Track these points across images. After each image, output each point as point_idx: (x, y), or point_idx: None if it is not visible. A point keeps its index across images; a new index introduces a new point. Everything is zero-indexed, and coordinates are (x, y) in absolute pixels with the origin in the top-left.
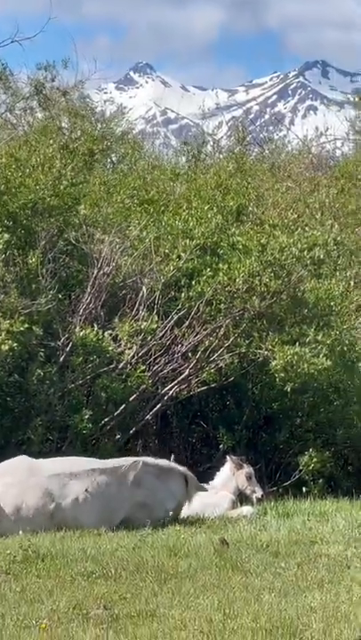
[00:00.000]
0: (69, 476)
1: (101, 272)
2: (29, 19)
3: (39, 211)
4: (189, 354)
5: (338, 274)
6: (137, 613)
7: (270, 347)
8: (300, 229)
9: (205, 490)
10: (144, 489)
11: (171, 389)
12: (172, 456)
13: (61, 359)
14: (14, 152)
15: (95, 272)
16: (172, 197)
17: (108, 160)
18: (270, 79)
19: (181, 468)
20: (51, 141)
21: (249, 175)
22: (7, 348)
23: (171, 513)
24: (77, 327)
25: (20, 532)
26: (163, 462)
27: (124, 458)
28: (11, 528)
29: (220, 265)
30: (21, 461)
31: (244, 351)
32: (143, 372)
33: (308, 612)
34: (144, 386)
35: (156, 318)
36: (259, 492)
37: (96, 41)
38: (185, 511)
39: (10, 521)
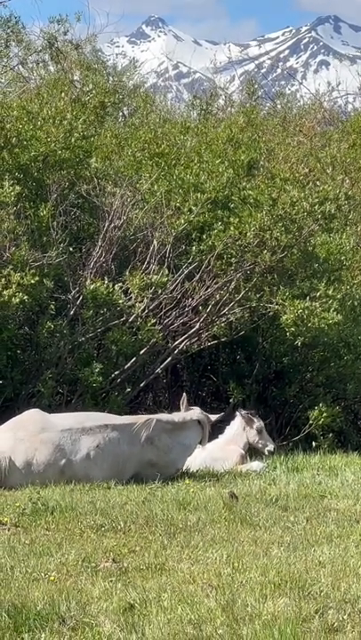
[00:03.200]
0: (81, 431)
1: (112, 225)
2: None
3: (50, 163)
4: (200, 307)
5: (349, 228)
6: (146, 566)
7: (281, 301)
8: (311, 184)
9: (211, 421)
10: (156, 448)
11: (181, 343)
12: (185, 395)
13: (72, 312)
14: (26, 105)
15: (106, 225)
16: (183, 151)
17: (120, 113)
18: (283, 34)
19: (195, 415)
20: (62, 94)
21: (260, 129)
22: (18, 300)
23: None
24: (88, 280)
25: (29, 485)
26: (177, 416)
27: (138, 415)
28: (20, 481)
29: (231, 219)
30: (33, 415)
31: (254, 305)
32: (154, 325)
33: (316, 567)
34: (154, 339)
35: (167, 272)
36: (271, 446)
37: None
38: (194, 465)
39: (20, 474)
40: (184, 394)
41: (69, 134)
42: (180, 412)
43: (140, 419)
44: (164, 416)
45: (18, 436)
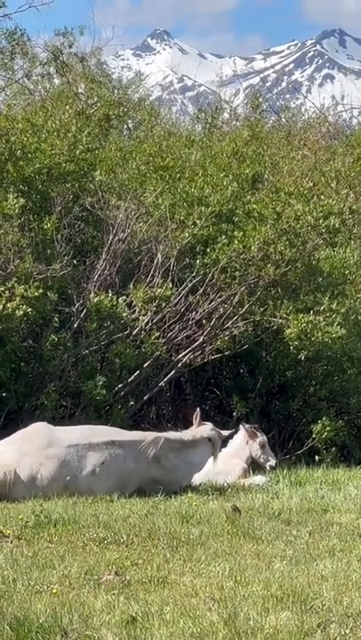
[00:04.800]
0: (87, 447)
1: (116, 238)
2: None
3: (55, 176)
4: (204, 321)
5: (353, 242)
6: (148, 579)
7: (285, 315)
8: (315, 198)
9: (223, 437)
10: (162, 467)
11: (185, 356)
12: (198, 410)
13: (76, 325)
14: (30, 117)
15: (110, 238)
16: (188, 164)
17: (125, 126)
18: (288, 47)
19: (206, 432)
20: (67, 107)
21: (265, 143)
22: (22, 313)
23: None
24: (92, 293)
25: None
26: (186, 434)
27: (147, 432)
28: (24, 495)
29: (236, 232)
30: (40, 429)
31: (258, 319)
32: (157, 338)
33: (319, 581)
34: (158, 352)
35: (171, 285)
36: (273, 461)
37: (115, 5)
38: (197, 478)
39: (24, 488)
40: (197, 409)
41: (74, 147)
42: (192, 427)
43: (149, 436)
44: (172, 434)
45: (24, 449)
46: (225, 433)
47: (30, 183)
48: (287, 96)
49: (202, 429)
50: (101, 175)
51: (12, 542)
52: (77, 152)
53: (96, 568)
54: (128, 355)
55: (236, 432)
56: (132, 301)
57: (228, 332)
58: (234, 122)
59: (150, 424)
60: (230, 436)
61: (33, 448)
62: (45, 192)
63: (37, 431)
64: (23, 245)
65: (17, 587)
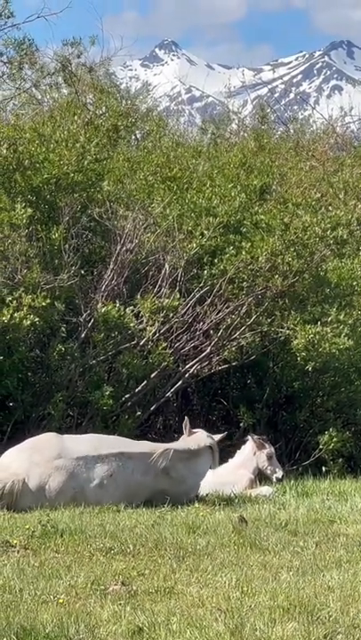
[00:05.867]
0: (96, 459)
1: (124, 248)
2: None
3: (62, 186)
4: (211, 331)
5: None
6: (155, 590)
7: (292, 326)
8: (323, 209)
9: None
10: (171, 479)
11: (192, 367)
12: (187, 419)
13: (83, 335)
14: (38, 127)
15: (118, 248)
16: (195, 175)
17: (133, 137)
18: (296, 58)
19: (208, 441)
20: (75, 117)
21: (272, 153)
22: (29, 323)
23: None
24: (99, 303)
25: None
26: (192, 443)
27: (155, 444)
28: (31, 505)
29: (243, 243)
30: (50, 439)
31: (265, 330)
32: (165, 349)
33: (325, 592)
34: (165, 363)
35: (178, 295)
36: (279, 473)
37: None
38: (204, 489)
39: (32, 498)
40: (186, 418)
41: (82, 157)
42: (184, 435)
43: (158, 448)
44: (179, 444)
45: (33, 459)
46: (217, 437)
47: (38, 193)
48: (295, 107)
49: (201, 437)
50: (109, 185)
51: (18, 552)
52: (85, 162)
53: (103, 578)
54: (135, 365)
55: (237, 438)
56: (139, 312)
57: (235, 343)
58: (242, 133)
59: (157, 434)
60: (231, 444)
61: (42, 459)
62: (53, 202)
63: (48, 441)
64: (31, 255)
65: (23, 596)
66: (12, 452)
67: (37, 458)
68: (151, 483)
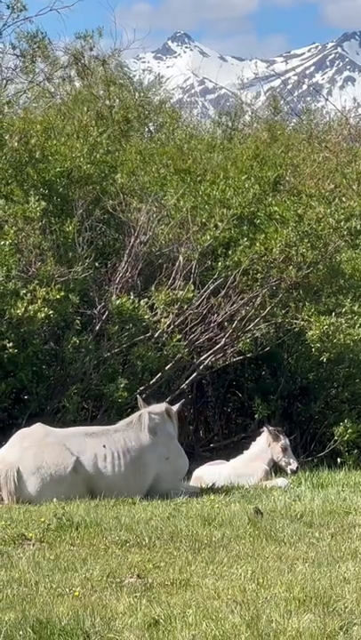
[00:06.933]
0: (85, 434)
1: (138, 241)
2: None
3: (75, 179)
4: (225, 323)
5: None
6: (170, 582)
7: (306, 317)
8: (337, 200)
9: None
10: (161, 436)
11: (206, 359)
12: (139, 397)
13: (97, 327)
14: (51, 120)
15: (132, 241)
16: (209, 167)
17: (146, 129)
18: (309, 50)
19: (163, 406)
20: (86, 109)
21: (285, 145)
22: (43, 315)
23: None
24: (114, 295)
25: (54, 500)
26: (155, 408)
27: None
28: (36, 489)
29: (257, 235)
30: (36, 428)
31: (280, 321)
32: (179, 340)
33: (341, 583)
34: (180, 355)
35: (193, 287)
36: (294, 465)
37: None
38: (219, 481)
39: (34, 480)
40: (138, 396)
41: (94, 149)
42: (143, 407)
43: (133, 417)
44: (152, 408)
45: (24, 445)
46: (175, 407)
47: (51, 186)
48: (308, 98)
49: (159, 405)
50: (122, 178)
51: (34, 545)
52: (97, 154)
53: (118, 571)
54: (150, 357)
55: (250, 433)
56: (153, 304)
57: (249, 335)
58: (255, 124)
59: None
60: (246, 436)
61: (33, 441)
62: (66, 195)
63: (35, 429)
64: (45, 248)
65: (39, 590)
66: (5, 446)
67: (27, 442)
68: (148, 445)
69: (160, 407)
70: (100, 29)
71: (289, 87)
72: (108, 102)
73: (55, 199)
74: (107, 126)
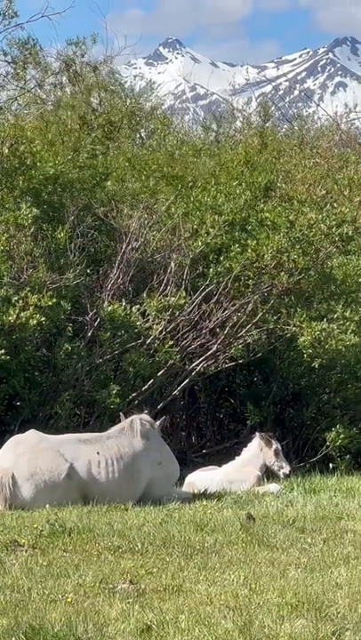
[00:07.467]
0: (78, 441)
1: (130, 247)
2: None
3: (61, 184)
4: (217, 329)
5: None
6: (163, 588)
7: (298, 323)
8: (328, 206)
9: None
10: (153, 442)
11: (198, 365)
12: (121, 414)
13: (89, 334)
14: (37, 125)
15: (123, 247)
16: (198, 173)
17: (138, 135)
18: (300, 56)
19: (144, 416)
20: (69, 113)
21: (276, 151)
22: (35, 322)
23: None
24: (105, 302)
25: (47, 506)
26: (143, 417)
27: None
28: (30, 495)
29: (249, 241)
30: (30, 434)
31: (271, 327)
32: (171, 347)
33: (333, 588)
34: (172, 361)
35: (184, 294)
36: (287, 469)
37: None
38: (211, 486)
39: (29, 486)
40: (120, 413)
41: (76, 153)
42: (124, 421)
43: (124, 423)
44: (142, 416)
45: (18, 451)
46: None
47: (39, 192)
48: (299, 104)
49: (139, 415)
50: (113, 184)
51: (26, 551)
52: (81, 158)
53: (111, 577)
54: (142, 363)
55: (242, 439)
56: (145, 310)
57: (241, 341)
58: (246, 130)
59: (164, 432)
60: (238, 442)
61: (27, 447)
62: (56, 201)
63: (28, 435)
64: (36, 255)
65: (32, 596)
66: None
67: (21, 449)
68: (141, 450)
69: (141, 417)
70: (95, 36)
71: (280, 93)
72: (92, 106)
73: (44, 206)
74: (90, 130)
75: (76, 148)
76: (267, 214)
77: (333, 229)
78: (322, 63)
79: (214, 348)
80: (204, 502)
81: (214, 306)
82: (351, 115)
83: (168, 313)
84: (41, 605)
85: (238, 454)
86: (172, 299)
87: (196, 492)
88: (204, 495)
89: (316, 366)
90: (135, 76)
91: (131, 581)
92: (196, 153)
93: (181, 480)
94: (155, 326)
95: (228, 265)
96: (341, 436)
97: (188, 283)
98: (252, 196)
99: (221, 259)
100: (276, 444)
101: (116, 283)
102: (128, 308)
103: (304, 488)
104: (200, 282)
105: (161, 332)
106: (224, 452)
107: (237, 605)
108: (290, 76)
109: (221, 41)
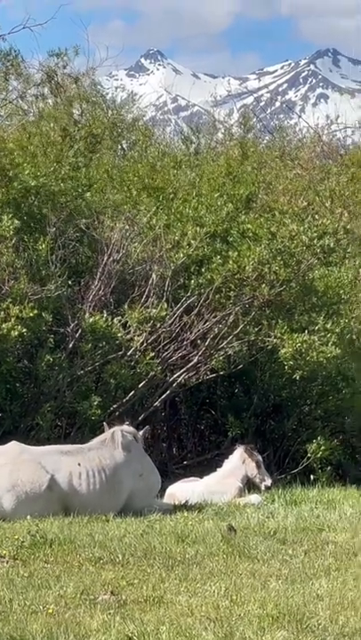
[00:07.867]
0: (60, 452)
1: (111, 259)
2: (41, 4)
3: (42, 196)
4: (198, 341)
5: (347, 262)
6: (144, 599)
7: (279, 334)
8: (310, 217)
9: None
10: (134, 453)
11: (179, 376)
12: (105, 424)
13: (71, 345)
14: (20, 137)
15: (105, 259)
16: (179, 185)
17: (119, 147)
18: (282, 67)
19: (126, 427)
20: (52, 125)
21: (257, 162)
22: (17, 333)
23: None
24: (87, 313)
25: (28, 517)
26: (125, 429)
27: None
28: (11, 507)
29: (230, 252)
30: (11, 446)
31: (253, 339)
32: (152, 358)
33: (314, 600)
34: (153, 373)
35: (166, 305)
36: (268, 481)
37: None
38: (193, 498)
39: (10, 498)
40: (104, 423)
41: (59, 166)
42: (106, 432)
43: (106, 434)
44: (124, 427)
45: None
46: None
47: (21, 204)
48: (281, 116)
49: (120, 427)
50: (94, 196)
51: (7, 562)
52: (63, 171)
53: (92, 588)
54: (123, 375)
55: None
56: (126, 322)
57: (222, 352)
58: (228, 142)
59: (145, 444)
60: (219, 454)
61: (8, 458)
62: (38, 213)
63: (10, 447)
64: (18, 266)
65: (13, 607)
66: None
67: (2, 460)
68: (122, 462)
69: (122, 428)
70: (77, 47)
71: (262, 104)
72: (74, 118)
73: (25, 217)
74: (73, 142)
75: (58, 159)
76: (248, 226)
77: (315, 241)
78: (303, 75)
79: (195, 360)
80: (186, 514)
81: (195, 317)
82: (333, 126)
83: (149, 324)
84: (22, 617)
85: (219, 466)
86: (154, 310)
87: (177, 503)
88: (185, 507)
89: (298, 378)
90: (117, 88)
91: (112, 592)
92: (177, 165)
93: (162, 491)
94: (136, 338)
95: (209, 276)
96: (322, 447)
97: (170, 294)
98: (234, 207)
99: (203, 270)
100: (257, 456)
101: (97, 294)
102: (109, 319)
103: (285, 500)
104: (181, 293)
105: (142, 343)
106: (205, 463)
107: (218, 617)
108: (271, 87)
109: (203, 52)
